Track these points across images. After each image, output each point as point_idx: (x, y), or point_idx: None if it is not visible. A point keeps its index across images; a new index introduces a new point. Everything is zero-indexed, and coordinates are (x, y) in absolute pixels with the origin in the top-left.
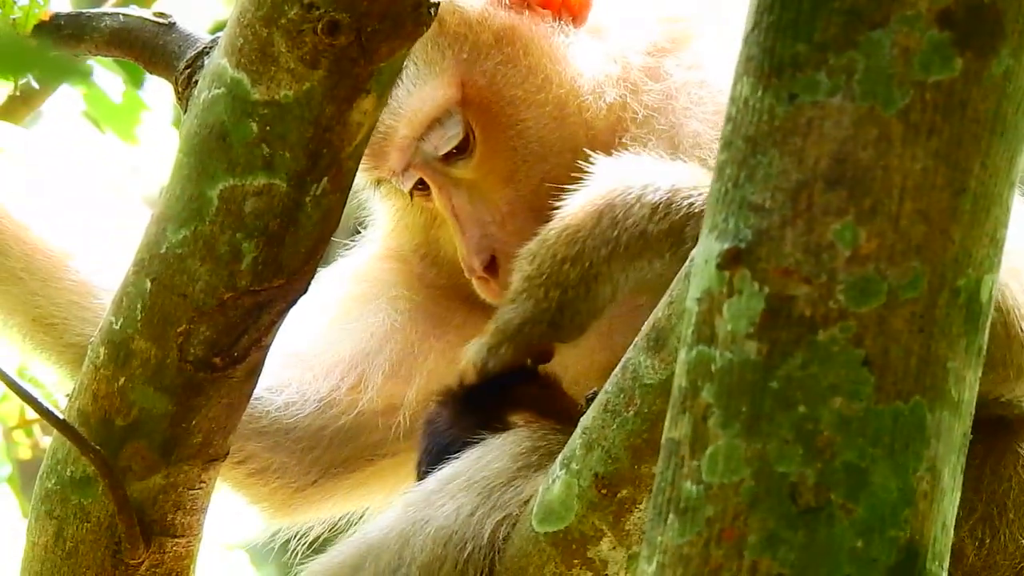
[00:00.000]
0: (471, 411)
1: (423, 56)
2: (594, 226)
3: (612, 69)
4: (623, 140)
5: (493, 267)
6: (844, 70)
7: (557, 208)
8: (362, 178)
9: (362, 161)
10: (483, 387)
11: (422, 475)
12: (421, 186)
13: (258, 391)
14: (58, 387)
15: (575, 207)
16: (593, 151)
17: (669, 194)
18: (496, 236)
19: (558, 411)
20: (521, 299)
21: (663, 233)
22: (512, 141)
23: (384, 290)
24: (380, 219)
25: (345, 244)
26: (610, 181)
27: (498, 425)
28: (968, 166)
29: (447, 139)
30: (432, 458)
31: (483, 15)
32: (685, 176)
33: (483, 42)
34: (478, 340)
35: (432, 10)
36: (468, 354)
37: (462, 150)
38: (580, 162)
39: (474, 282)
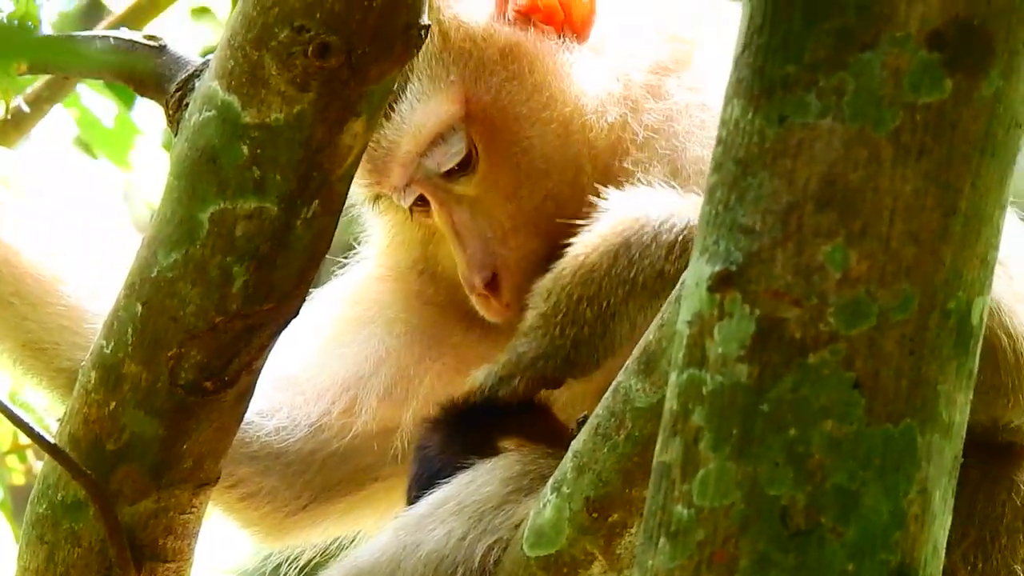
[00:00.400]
0: (462, 436)
1: (427, 71)
2: (611, 266)
3: (614, 87)
4: (623, 163)
5: (494, 284)
6: (834, 91)
7: (559, 225)
8: (359, 194)
9: (363, 177)
10: (474, 412)
11: (413, 500)
12: (420, 202)
13: (249, 415)
14: (49, 412)
15: (590, 245)
16: (594, 171)
17: (685, 232)
18: (498, 252)
19: (549, 435)
20: (537, 335)
21: (681, 272)
22: (516, 158)
23: (379, 312)
24: (375, 235)
25: (339, 261)
26: (624, 217)
27: (489, 449)
28: (959, 187)
29: (450, 155)
30: (423, 483)
31: (488, 31)
32: (698, 211)
33: (488, 58)
34: (489, 366)
35: (423, 32)
36: (477, 378)
37: (464, 166)
38: (584, 180)
39: (474, 299)
